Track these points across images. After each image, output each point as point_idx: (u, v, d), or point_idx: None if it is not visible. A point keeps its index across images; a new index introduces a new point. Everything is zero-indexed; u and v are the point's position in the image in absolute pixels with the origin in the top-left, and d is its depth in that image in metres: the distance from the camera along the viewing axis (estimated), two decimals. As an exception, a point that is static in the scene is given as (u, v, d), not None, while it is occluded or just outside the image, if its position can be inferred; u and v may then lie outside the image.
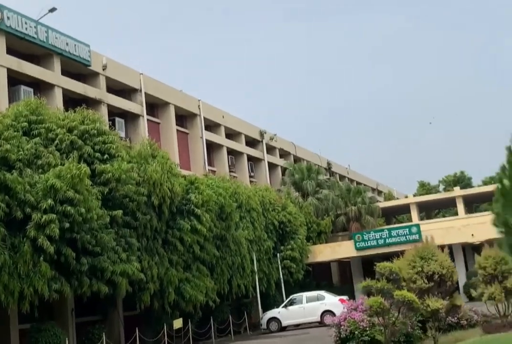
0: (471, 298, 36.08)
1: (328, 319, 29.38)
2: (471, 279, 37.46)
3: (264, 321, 30.36)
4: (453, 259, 39.75)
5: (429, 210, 52.77)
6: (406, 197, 56.22)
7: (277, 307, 32.94)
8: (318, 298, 30.12)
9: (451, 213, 63.18)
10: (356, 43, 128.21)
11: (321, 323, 29.70)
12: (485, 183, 64.53)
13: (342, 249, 38.08)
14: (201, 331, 26.64)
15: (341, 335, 15.47)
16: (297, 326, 30.16)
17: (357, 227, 44.98)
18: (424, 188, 71.66)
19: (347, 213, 45.32)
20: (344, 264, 45.21)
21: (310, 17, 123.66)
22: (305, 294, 30.66)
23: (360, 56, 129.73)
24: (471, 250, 41.46)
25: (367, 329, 15.09)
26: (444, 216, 58.79)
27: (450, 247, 37.54)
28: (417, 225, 36.58)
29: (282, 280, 34.89)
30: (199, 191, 27.15)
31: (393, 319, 13.95)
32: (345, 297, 30.36)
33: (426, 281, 15.27)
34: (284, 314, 30.01)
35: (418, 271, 15.61)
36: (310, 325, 29.93)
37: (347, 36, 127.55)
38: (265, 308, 32.59)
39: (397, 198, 59.02)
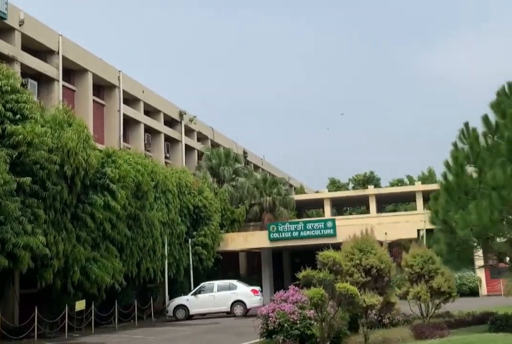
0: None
1: (238, 310, 28.51)
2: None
3: (170, 308, 28.83)
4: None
5: (341, 207, 52.86)
6: (317, 192, 56.16)
7: (185, 294, 31.51)
8: (230, 288, 28.92)
9: (358, 211, 63.91)
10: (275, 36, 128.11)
11: (229, 313, 28.57)
12: (392, 184, 65.73)
13: (255, 239, 37.06)
14: (104, 315, 24.79)
15: (269, 327, 14.26)
16: (203, 315, 28.82)
17: (270, 218, 44.14)
18: (335, 185, 72.10)
19: (262, 203, 44.39)
20: (252, 255, 44.28)
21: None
22: (217, 283, 29.39)
23: (282, 51, 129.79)
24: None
25: (298, 322, 13.96)
26: (351, 214, 59.31)
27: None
28: (333, 220, 36.13)
29: (191, 267, 33.43)
30: (116, 166, 25.26)
31: (332, 313, 12.86)
32: (257, 288, 29.36)
33: (363, 275, 14.32)
34: (193, 302, 28.61)
35: (356, 264, 14.67)
36: (218, 315, 28.69)
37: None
38: (172, 295, 31.05)
39: (306, 193, 58.91)
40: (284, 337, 14.00)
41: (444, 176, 16.25)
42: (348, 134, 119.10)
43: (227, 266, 41.35)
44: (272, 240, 36.36)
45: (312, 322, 13.91)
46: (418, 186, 44.21)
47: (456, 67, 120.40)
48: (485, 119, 17.04)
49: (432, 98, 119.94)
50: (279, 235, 36.19)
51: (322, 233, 35.40)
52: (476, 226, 14.51)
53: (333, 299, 12.63)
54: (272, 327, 14.21)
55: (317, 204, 46.77)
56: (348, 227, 36.08)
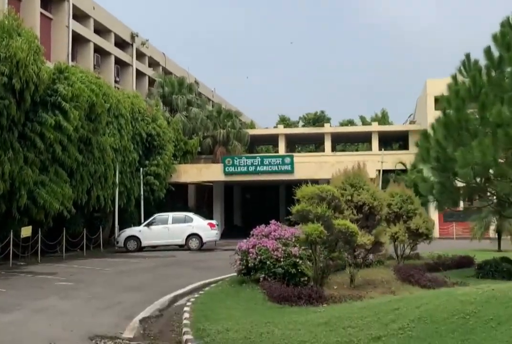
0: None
1: (193, 243, 27.28)
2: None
3: (121, 239, 27.31)
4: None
5: (294, 144, 51.60)
6: (266, 128, 54.64)
7: (135, 225, 30.03)
8: (185, 220, 27.54)
9: (307, 150, 62.99)
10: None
11: (182, 247, 27.36)
12: (342, 125, 64.87)
13: (210, 172, 35.58)
14: (51, 243, 23.09)
15: (248, 264, 13.00)
16: (154, 248, 27.46)
17: (222, 152, 42.60)
18: (284, 123, 70.69)
19: (215, 136, 42.68)
20: (202, 188, 42.89)
21: None
22: (172, 214, 27.93)
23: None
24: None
25: (282, 259, 12.73)
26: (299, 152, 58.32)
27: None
28: (291, 156, 34.93)
29: (142, 197, 31.82)
30: (69, 83, 23.00)
31: (331, 252, 11.66)
32: (214, 221, 28.13)
33: (355, 212, 13.12)
34: (146, 233, 27.15)
35: (347, 200, 13.42)
36: (171, 247, 27.39)
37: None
38: (121, 225, 29.51)
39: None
40: (265, 275, 12.78)
41: (443, 111, 15.03)
42: (299, 72, 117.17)
43: (176, 198, 39.83)
44: (227, 174, 34.98)
45: (297, 260, 12.70)
46: (375, 127, 43.34)
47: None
48: (487, 52, 15.75)
49: (385, 42, 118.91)
50: (234, 169, 34.81)
51: (280, 169, 34.24)
52: (478, 165, 13.44)
53: (328, 237, 11.37)
54: (252, 264, 12.99)
55: (271, 140, 45.39)
56: (306, 164, 35.20)
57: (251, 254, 13.01)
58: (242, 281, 13.31)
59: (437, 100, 37.35)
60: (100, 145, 26.28)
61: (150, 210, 32.07)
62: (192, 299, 11.86)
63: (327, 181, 16.77)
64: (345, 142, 52.56)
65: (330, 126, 43.72)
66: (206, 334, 8.30)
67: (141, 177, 31.91)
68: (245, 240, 14.04)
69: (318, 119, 69.68)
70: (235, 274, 15.31)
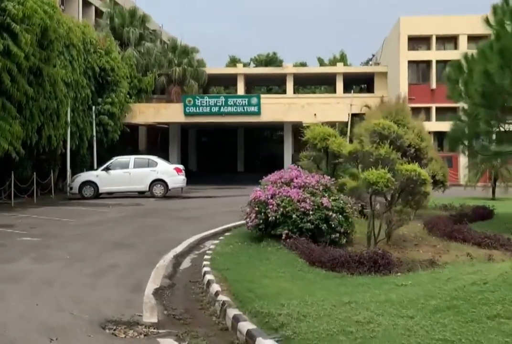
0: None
1: (158, 190, 24.65)
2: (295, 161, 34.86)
3: (76, 184, 24.35)
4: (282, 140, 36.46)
5: (252, 85, 48.58)
6: (225, 67, 51.34)
7: (87, 169, 27.09)
8: (149, 164, 24.76)
9: (261, 92, 60.21)
10: None
11: (141, 193, 24.77)
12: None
13: (168, 113, 32.54)
14: (-1, 190, 20.05)
15: (269, 218, 10.60)
16: (110, 194, 24.67)
17: (177, 91, 39.56)
18: (235, 64, 67.46)
19: (170, 74, 39.44)
20: (153, 130, 39.86)
21: None
22: (133, 158, 25.07)
23: None
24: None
25: (310, 212, 10.40)
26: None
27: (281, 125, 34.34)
28: (258, 96, 32.24)
29: (95, 139, 28.72)
30: (20, 1, 19.42)
31: (395, 206, 9.38)
32: (181, 166, 25.48)
33: (399, 155, 10.84)
34: (104, 178, 24.26)
35: (391, 140, 11.08)
36: (130, 194, 24.70)
37: None
38: (73, 170, 26.50)
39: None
40: (289, 231, 10.45)
41: (497, 36, 12.72)
42: (250, 11, 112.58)
43: (125, 142, 36.70)
44: (187, 114, 32.07)
45: (330, 213, 10.41)
46: (340, 68, 40.97)
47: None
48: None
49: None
50: (196, 109, 31.92)
51: (246, 110, 31.59)
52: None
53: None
54: (273, 218, 10.57)
55: (229, 80, 42.41)
56: (274, 105, 32.81)
57: (270, 206, 10.61)
58: (260, 238, 10.96)
59: (411, 39, 35.42)
60: (51, 77, 22.91)
61: (101, 154, 29.12)
62: (205, 262, 9.43)
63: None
64: (306, 84, 49.96)
65: (293, 66, 41.07)
66: (275, 321, 5.94)
67: (94, 116, 28.72)
68: (257, 188, 11.62)
69: (271, 61, 66.63)
70: (231, 226, 13.13)
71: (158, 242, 12.21)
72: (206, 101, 31.95)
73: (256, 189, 11.66)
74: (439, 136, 35.34)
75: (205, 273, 8.64)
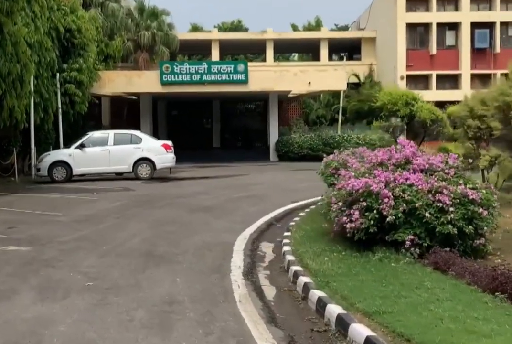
0: (292, 159, 30.30)
1: (144, 171, 20.92)
2: (283, 136, 31.58)
3: (44, 165, 20.36)
4: (266, 112, 33.02)
5: (229, 53, 44.30)
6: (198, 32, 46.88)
7: (53, 147, 23.20)
8: (132, 140, 20.95)
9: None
10: None
11: (119, 174, 21.07)
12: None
13: (142, 81, 28.50)
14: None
15: (387, 218, 7.20)
16: (82, 176, 20.80)
17: (146, 59, 35.45)
18: (198, 32, 63.11)
19: (137, 39, 35.24)
20: (118, 102, 35.76)
21: None
22: (113, 133, 21.18)
23: None
24: (288, 102, 35.36)
25: (451, 209, 7.06)
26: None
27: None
28: (245, 62, 28.58)
29: (60, 111, 24.63)
30: None
31: None
32: (169, 142, 21.73)
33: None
34: (79, 158, 20.36)
35: None
36: (107, 176, 20.92)
37: None
38: (36, 149, 22.45)
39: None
40: (415, 236, 7.13)
41: None
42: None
43: (86, 115, 32.49)
44: (164, 83, 28.17)
45: (477, 209, 7.12)
46: (324, 33, 37.51)
47: None
48: None
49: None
50: (174, 77, 28.04)
51: (231, 78, 27.91)
52: None
53: None
54: (392, 218, 7.20)
55: (202, 47, 38.39)
56: (264, 73, 29.32)
57: (386, 200, 7.21)
58: (361, 244, 7.57)
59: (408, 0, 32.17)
60: (12, 36, 18.76)
61: (65, 130, 25.15)
62: (325, 298, 5.98)
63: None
64: (287, 52, 46.12)
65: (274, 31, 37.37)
66: None
67: (59, 85, 24.59)
68: (345, 173, 8.21)
69: (236, 29, 62.60)
70: (271, 219, 9.80)
71: (200, 250, 8.72)
72: (186, 68, 28.08)
73: (342, 172, 8.27)
74: (440, 107, 32.44)
75: (343, 325, 5.20)
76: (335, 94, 35.58)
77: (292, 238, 9.06)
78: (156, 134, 37.47)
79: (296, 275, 6.93)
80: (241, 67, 28.02)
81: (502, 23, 31.11)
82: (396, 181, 7.41)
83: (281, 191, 16.82)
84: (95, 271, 7.35)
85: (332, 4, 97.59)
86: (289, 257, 7.77)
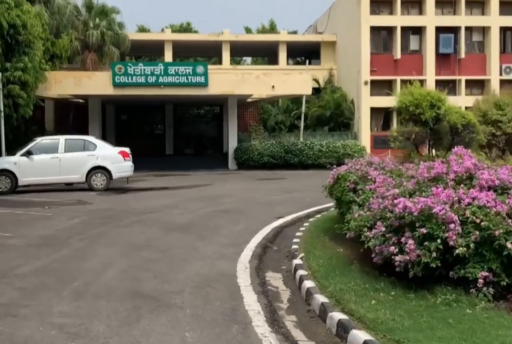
0: (252, 167, 28.69)
1: (99, 181, 18.85)
2: (242, 143, 29.93)
3: (-14, 174, 18.09)
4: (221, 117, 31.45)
5: (182, 56, 42.02)
6: (150, 33, 44.56)
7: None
8: (84, 147, 18.87)
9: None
10: None
11: (68, 184, 18.95)
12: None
13: (93, 83, 26.32)
14: None
15: (455, 249, 5.64)
16: (26, 187, 18.59)
17: (94, 60, 33.24)
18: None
19: (85, 39, 33.00)
20: (64, 107, 33.44)
21: None
22: (63, 139, 18.98)
23: None
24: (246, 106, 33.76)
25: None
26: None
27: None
28: (205, 64, 26.84)
29: (3, 115, 22.28)
30: None
31: None
32: (127, 150, 19.71)
33: None
34: (25, 166, 18.11)
35: None
36: (50, 187, 18.75)
37: None
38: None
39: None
40: (491, 272, 5.61)
41: None
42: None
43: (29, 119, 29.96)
44: (117, 85, 26.10)
45: None
46: (284, 36, 36.03)
47: None
48: None
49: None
50: (128, 79, 26.02)
51: (190, 81, 26.10)
52: None
53: None
54: (463, 249, 5.64)
55: (154, 49, 36.30)
56: (225, 76, 27.71)
57: (452, 226, 5.65)
58: (413, 281, 5.98)
59: (373, 2, 30.98)
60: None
61: (6, 135, 22.82)
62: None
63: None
64: (244, 55, 44.27)
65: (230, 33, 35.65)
66: None
67: (1, 85, 22.26)
68: (384, 191, 6.62)
69: (185, 32, 60.77)
70: (265, 242, 8.25)
71: (199, 287, 6.96)
72: (141, 69, 26.09)
73: (380, 190, 6.68)
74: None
75: None
76: (295, 99, 34.24)
77: (308, 269, 7.42)
78: (104, 140, 35.26)
79: (343, 326, 5.27)
80: (200, 69, 26.24)
81: (466, 28, 30.38)
82: (462, 201, 5.86)
83: (257, 204, 15.17)
84: (73, 323, 5.50)
85: (280, 10, 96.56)
86: (320, 298, 6.11)
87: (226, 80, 26.57)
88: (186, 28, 61.97)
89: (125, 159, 19.00)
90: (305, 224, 11.51)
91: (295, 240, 9.78)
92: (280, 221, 12.27)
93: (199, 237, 10.24)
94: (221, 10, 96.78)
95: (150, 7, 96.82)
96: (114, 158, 18.83)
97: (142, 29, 61.88)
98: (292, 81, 26.66)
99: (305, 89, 26.93)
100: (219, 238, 10.18)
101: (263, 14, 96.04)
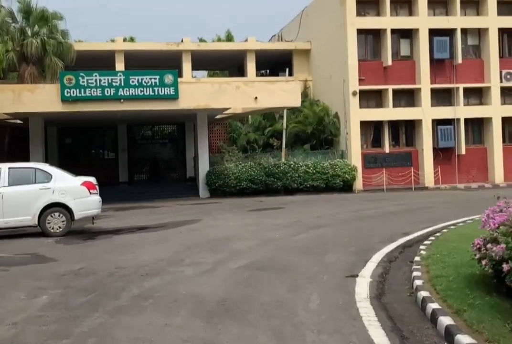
0: (228, 193, 24.40)
1: (56, 223, 13.91)
2: (215, 166, 25.57)
3: None
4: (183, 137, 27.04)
5: (135, 67, 37.04)
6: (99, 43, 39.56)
7: None
8: (36, 178, 14.03)
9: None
10: None
11: (13, 228, 14.12)
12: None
13: (36, 98, 21.34)
14: None
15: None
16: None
17: (33, 73, 28.28)
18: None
19: (22, 49, 28.01)
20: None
21: None
22: (7, 167, 14.06)
23: None
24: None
25: None
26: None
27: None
28: (174, 72, 22.26)
29: None
30: None
31: None
32: (92, 179, 14.89)
33: None
34: (-47, 207, 13.23)
35: None
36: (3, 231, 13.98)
37: None
38: None
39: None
40: None
41: None
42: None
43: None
44: (66, 100, 21.32)
45: None
46: (252, 44, 31.20)
47: None
48: None
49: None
50: (80, 92, 21.28)
51: (157, 93, 21.65)
52: None
53: None
54: None
55: (103, 60, 31.52)
56: (198, 86, 23.50)
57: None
58: None
59: (360, 2, 27.21)
60: None
61: None
62: None
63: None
64: (206, 66, 39.57)
65: (191, 42, 31.21)
66: None
67: None
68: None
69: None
70: None
71: None
72: (96, 80, 21.42)
73: None
74: (396, 127, 27.77)
75: None
76: (267, 115, 30.17)
77: None
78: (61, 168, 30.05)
79: None
80: (169, 78, 21.82)
81: (462, 30, 27.07)
82: None
83: (292, 252, 10.87)
84: None
85: (246, 15, 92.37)
86: None
87: (200, 91, 22.23)
88: (133, 39, 57.33)
89: (90, 193, 14.26)
90: (405, 287, 7.26)
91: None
92: (363, 283, 8.04)
93: (263, 329, 5.83)
94: (169, 20, 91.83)
95: (91, 22, 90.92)
96: (76, 191, 14.07)
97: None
98: (278, 91, 22.54)
99: (294, 101, 22.87)
100: (293, 331, 5.81)
101: (216, 25, 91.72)
